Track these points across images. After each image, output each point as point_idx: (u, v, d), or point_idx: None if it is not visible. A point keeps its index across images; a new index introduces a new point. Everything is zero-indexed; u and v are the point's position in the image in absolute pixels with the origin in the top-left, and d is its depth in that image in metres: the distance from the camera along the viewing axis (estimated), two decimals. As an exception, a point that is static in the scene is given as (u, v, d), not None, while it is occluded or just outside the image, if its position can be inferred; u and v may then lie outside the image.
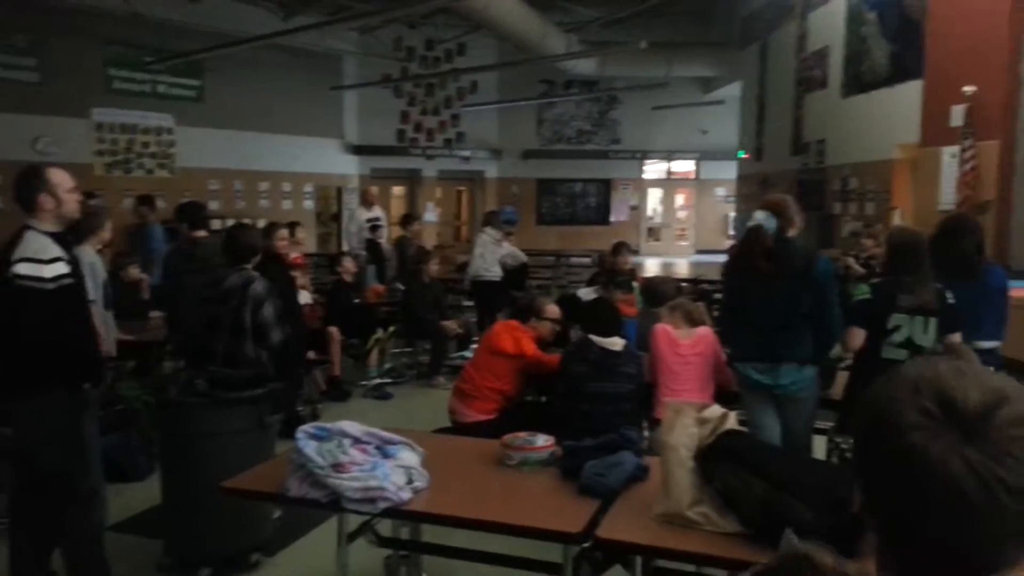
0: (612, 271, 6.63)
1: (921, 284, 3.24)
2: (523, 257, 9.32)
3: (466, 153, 19.10)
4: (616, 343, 3.86)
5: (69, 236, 3.34)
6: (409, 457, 2.72)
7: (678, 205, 21.37)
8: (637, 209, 20.83)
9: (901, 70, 10.37)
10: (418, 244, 9.38)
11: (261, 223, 10.71)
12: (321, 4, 14.65)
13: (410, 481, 2.64)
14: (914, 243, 3.32)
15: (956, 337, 3.24)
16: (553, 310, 4.72)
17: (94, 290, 4.34)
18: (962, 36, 8.70)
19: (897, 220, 9.67)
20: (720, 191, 20.21)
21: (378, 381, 7.00)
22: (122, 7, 11.67)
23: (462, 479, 2.85)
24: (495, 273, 8.44)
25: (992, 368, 3.54)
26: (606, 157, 20.14)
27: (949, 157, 8.78)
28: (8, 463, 3.40)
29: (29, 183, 3.12)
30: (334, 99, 17.28)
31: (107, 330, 4.51)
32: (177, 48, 12.55)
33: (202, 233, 5.56)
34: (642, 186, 20.90)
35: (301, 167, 16.50)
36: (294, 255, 7.29)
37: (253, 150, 15.29)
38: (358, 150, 18.09)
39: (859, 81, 11.54)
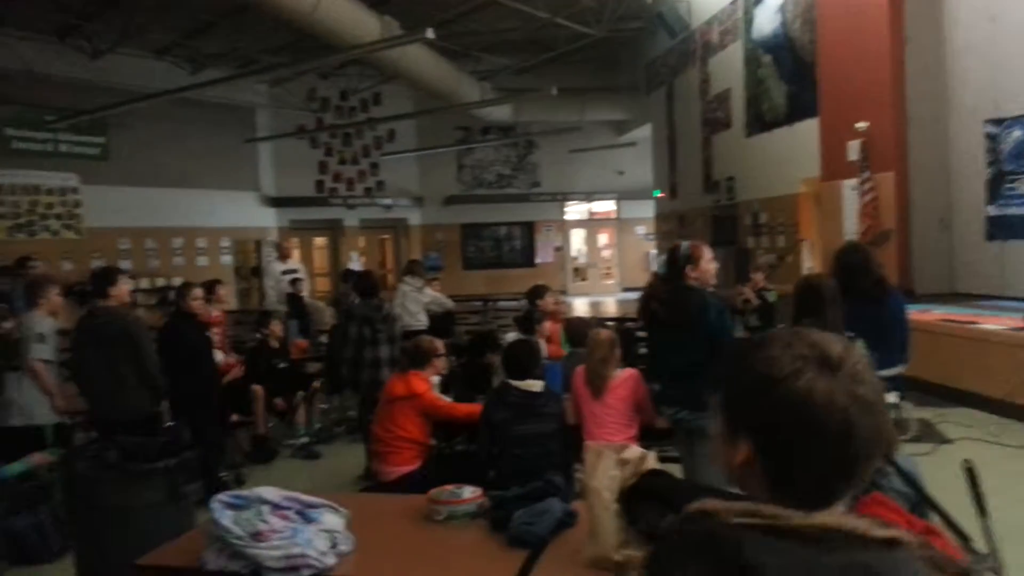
0: (529, 315, 6.58)
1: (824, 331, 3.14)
2: (449, 303, 9.27)
3: (388, 201, 19.07)
4: (534, 385, 3.84)
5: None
6: (332, 520, 2.64)
7: (601, 244, 21.79)
8: (562, 250, 21.15)
9: (798, 109, 10.92)
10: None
11: (177, 281, 10.42)
12: (230, 57, 14.51)
13: (334, 545, 2.55)
14: (817, 289, 3.25)
15: None
16: (438, 345, 4.72)
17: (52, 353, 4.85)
18: (851, 76, 9.24)
19: (806, 251, 10.08)
20: (640, 229, 20.73)
21: (305, 440, 6.79)
22: (18, 64, 11.30)
23: (389, 539, 2.77)
24: (421, 322, 8.31)
25: (897, 392, 3.69)
26: (527, 200, 20.44)
27: (849, 190, 9.24)
28: None
29: None
30: (248, 151, 17.03)
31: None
32: (80, 105, 12.20)
33: (112, 301, 5.19)
34: (565, 227, 21.26)
35: (216, 222, 16.13)
36: (214, 313, 7.09)
37: (165, 206, 14.89)
38: (276, 202, 17.80)
39: (761, 120, 12.09)
